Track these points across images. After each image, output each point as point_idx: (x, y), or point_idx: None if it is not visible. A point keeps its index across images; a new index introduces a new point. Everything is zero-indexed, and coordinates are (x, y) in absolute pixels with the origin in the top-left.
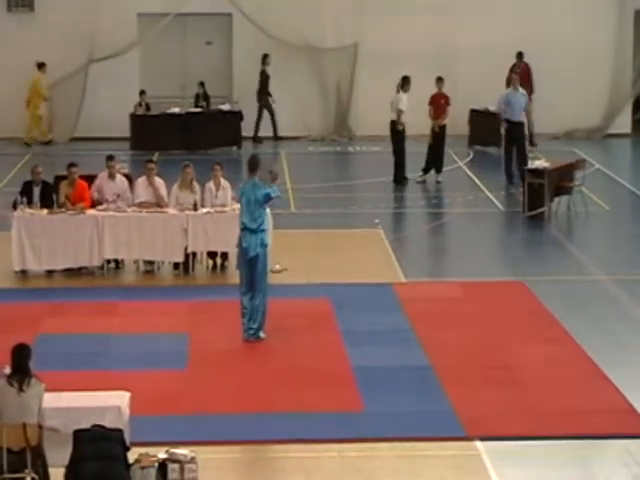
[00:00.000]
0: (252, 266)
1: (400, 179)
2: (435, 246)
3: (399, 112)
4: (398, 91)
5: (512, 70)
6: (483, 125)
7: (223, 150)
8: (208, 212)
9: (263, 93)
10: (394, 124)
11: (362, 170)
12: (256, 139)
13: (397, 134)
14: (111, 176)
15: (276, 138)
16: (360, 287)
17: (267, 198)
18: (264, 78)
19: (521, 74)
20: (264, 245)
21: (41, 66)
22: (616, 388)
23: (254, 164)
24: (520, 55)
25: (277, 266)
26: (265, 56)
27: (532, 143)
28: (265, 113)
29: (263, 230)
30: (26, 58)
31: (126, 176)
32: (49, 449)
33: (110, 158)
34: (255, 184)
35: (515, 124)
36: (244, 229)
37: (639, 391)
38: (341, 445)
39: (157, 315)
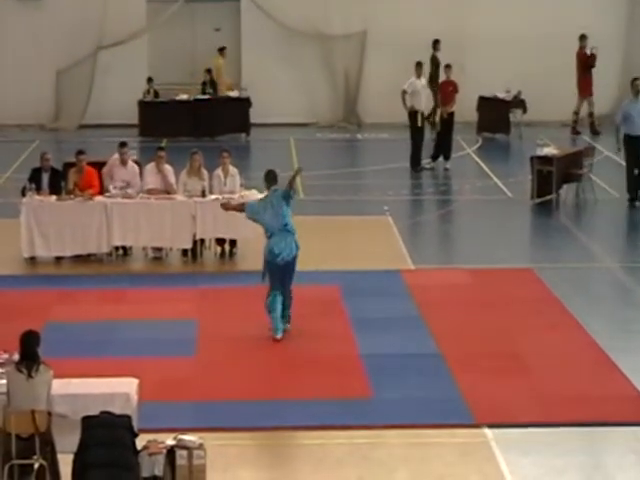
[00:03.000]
0: (286, 272)
1: (414, 163)
2: (443, 233)
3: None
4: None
5: (580, 56)
6: (491, 112)
7: (231, 137)
8: (216, 199)
9: (435, 79)
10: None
11: (371, 157)
12: (431, 124)
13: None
14: (123, 162)
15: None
16: (369, 274)
17: (287, 195)
18: (435, 64)
19: (581, 58)
20: (298, 247)
21: (222, 50)
22: (624, 375)
23: (274, 177)
24: (583, 37)
25: None
26: (436, 41)
27: (595, 131)
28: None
29: (291, 231)
30: (35, 46)
31: (135, 163)
32: (58, 435)
33: (123, 145)
34: (276, 191)
35: (636, 139)
36: (272, 235)
37: None
38: (350, 432)
39: (165, 302)
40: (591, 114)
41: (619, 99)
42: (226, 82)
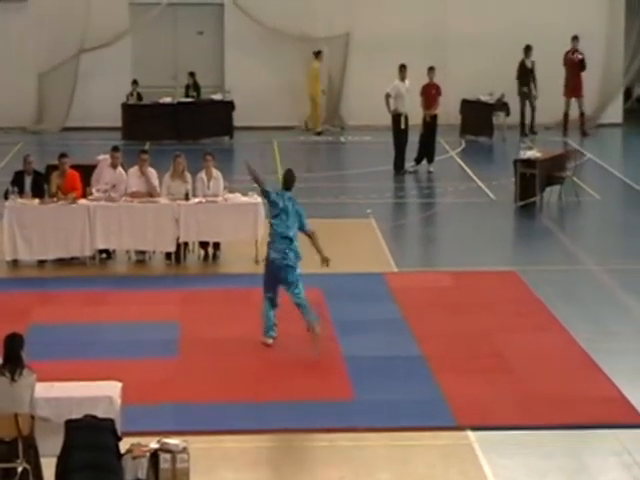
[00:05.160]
0: (279, 279)
1: (397, 166)
2: (427, 236)
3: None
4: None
5: (567, 56)
6: (475, 115)
7: (215, 140)
8: (200, 202)
9: (522, 85)
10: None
11: (354, 160)
12: (523, 132)
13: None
14: (113, 166)
15: (532, 132)
16: (352, 277)
17: (302, 220)
18: (523, 70)
19: (571, 63)
20: (298, 257)
21: (318, 54)
22: (607, 377)
23: (292, 180)
24: (575, 39)
25: None
26: (527, 48)
27: (584, 133)
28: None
29: (293, 241)
30: (17, 48)
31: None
32: (41, 439)
33: (116, 149)
34: (292, 197)
35: None
36: (277, 238)
37: (630, 380)
38: (332, 434)
39: (148, 304)
40: (582, 115)
41: (600, 103)
42: (318, 87)
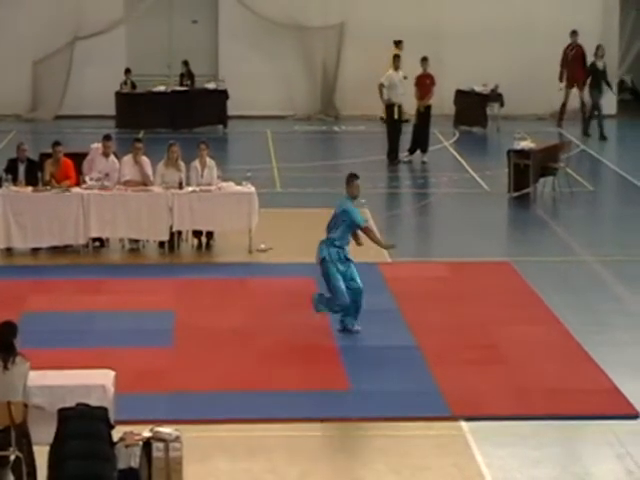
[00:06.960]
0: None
1: (391, 156)
2: (421, 226)
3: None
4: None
5: (566, 51)
6: (469, 105)
7: (209, 129)
8: (194, 191)
9: (593, 87)
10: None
11: (348, 150)
12: (586, 133)
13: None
14: (105, 155)
15: (603, 137)
16: None
17: (346, 216)
18: (595, 72)
19: (575, 57)
20: (320, 256)
21: (398, 43)
22: (600, 368)
23: (347, 181)
24: (574, 33)
25: (262, 245)
26: (598, 48)
27: (586, 133)
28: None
29: (334, 244)
30: (12, 36)
31: (114, 154)
32: (34, 427)
33: (107, 138)
34: (342, 200)
35: None
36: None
37: (623, 371)
38: (326, 424)
39: (143, 293)
40: (583, 105)
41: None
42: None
